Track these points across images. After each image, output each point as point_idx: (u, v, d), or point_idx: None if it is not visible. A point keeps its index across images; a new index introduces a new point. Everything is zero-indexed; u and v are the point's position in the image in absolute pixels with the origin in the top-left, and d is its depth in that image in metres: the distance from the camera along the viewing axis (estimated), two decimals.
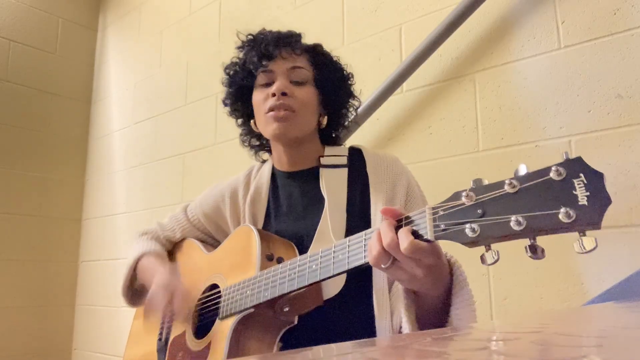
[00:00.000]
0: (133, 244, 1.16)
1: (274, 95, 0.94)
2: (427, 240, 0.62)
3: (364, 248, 0.69)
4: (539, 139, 1.29)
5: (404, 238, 0.61)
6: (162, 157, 2.42)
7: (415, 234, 0.62)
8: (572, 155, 0.51)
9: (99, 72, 2.97)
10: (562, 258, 1.21)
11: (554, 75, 1.30)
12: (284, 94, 0.94)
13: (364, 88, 1.66)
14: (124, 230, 2.56)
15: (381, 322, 0.85)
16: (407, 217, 0.65)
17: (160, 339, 1.05)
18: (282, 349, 0.85)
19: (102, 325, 2.54)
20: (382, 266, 0.64)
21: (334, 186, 0.97)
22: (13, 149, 2.60)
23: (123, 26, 2.87)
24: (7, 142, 2.58)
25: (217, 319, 0.92)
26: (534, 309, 1.23)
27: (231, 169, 2.06)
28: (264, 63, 0.95)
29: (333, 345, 0.37)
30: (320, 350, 0.32)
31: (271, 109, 0.94)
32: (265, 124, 0.97)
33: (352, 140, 1.58)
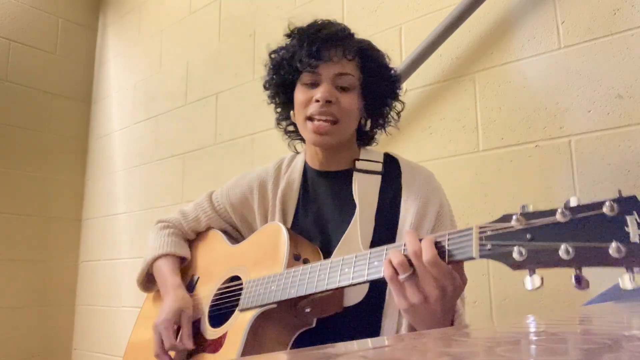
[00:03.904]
0: (153, 235, 1.14)
1: (317, 101, 0.92)
2: (448, 262, 0.63)
3: None
4: (539, 139, 1.29)
5: (428, 248, 0.63)
6: (162, 157, 2.42)
7: (439, 251, 0.64)
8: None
9: (99, 72, 2.97)
10: None
11: (554, 75, 1.30)
12: (328, 101, 0.92)
13: None
14: (124, 230, 2.56)
15: (386, 327, 0.86)
16: (457, 232, 0.65)
17: None
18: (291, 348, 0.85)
19: (102, 325, 2.54)
20: (401, 277, 0.64)
21: (366, 192, 0.95)
22: (13, 149, 2.60)
23: (123, 26, 2.87)
24: (7, 142, 2.58)
25: (236, 310, 0.92)
26: (534, 309, 1.23)
27: (231, 169, 2.06)
28: (313, 64, 0.92)
29: (345, 344, 0.37)
30: (321, 350, 0.32)
31: (312, 117, 0.93)
32: (304, 129, 0.97)
33: None
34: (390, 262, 0.65)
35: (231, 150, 2.06)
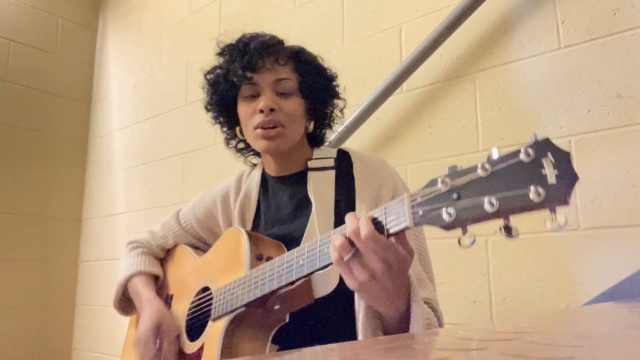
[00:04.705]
0: (124, 257, 1.16)
1: (261, 111, 0.93)
2: (388, 235, 0.64)
3: None
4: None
5: (364, 224, 0.64)
6: (162, 157, 2.42)
7: (377, 226, 0.65)
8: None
9: (99, 72, 2.97)
10: (562, 258, 1.21)
11: (554, 75, 1.29)
12: (272, 109, 0.93)
13: (364, 88, 1.66)
14: (124, 230, 2.56)
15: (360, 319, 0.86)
16: (386, 207, 0.66)
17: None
18: (278, 350, 0.85)
19: (102, 325, 2.54)
20: (345, 258, 0.65)
21: (321, 189, 0.96)
22: (13, 149, 2.60)
23: (123, 26, 2.87)
24: (7, 142, 2.58)
25: (209, 321, 0.92)
26: (534, 309, 1.23)
27: (231, 169, 2.05)
28: (248, 76, 0.94)
29: (321, 347, 0.37)
30: (307, 352, 0.32)
31: (260, 126, 0.94)
32: (254, 140, 0.97)
33: (352, 140, 1.58)
34: (334, 246, 0.66)
35: (231, 150, 2.06)
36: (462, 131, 1.43)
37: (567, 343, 0.30)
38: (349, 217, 0.68)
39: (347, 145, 1.55)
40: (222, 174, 2.09)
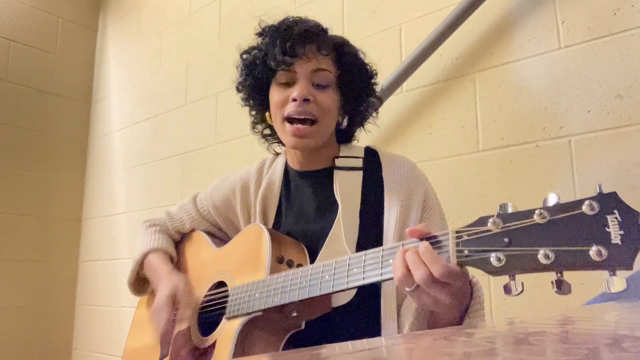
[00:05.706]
0: (141, 234, 1.13)
1: (294, 100, 0.88)
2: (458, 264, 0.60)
3: (380, 264, 0.67)
4: (539, 139, 1.29)
5: (437, 264, 0.60)
6: (162, 157, 2.42)
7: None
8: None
9: (99, 72, 2.97)
10: None
11: (554, 75, 1.29)
12: (306, 100, 0.89)
13: None
14: (124, 230, 2.56)
15: (387, 328, 0.85)
16: (434, 237, 0.63)
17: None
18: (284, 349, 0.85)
19: (102, 325, 2.53)
20: (407, 289, 0.62)
21: (347, 190, 0.93)
22: (13, 149, 2.60)
23: (123, 26, 2.87)
24: (7, 142, 2.58)
25: (223, 318, 0.91)
26: (534, 309, 1.23)
27: (231, 169, 2.05)
28: (287, 61, 0.89)
29: (338, 345, 0.37)
30: (323, 349, 0.32)
31: (290, 117, 0.90)
32: (282, 132, 0.93)
33: None
34: (397, 277, 0.63)
35: (231, 150, 2.06)
36: (462, 131, 1.43)
37: (572, 343, 0.30)
38: (414, 259, 0.62)
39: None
40: (222, 174, 2.09)
